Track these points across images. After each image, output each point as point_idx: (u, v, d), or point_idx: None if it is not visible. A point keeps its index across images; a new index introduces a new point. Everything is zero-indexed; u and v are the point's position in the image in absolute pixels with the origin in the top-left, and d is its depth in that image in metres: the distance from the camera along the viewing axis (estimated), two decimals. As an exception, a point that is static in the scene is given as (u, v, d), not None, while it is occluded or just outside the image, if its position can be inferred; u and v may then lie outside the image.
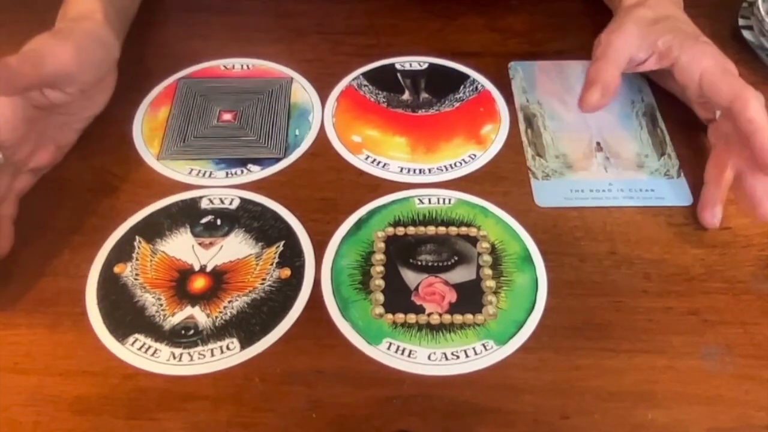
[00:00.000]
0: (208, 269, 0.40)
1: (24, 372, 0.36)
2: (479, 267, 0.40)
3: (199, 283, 0.39)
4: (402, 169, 0.45)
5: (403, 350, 0.36)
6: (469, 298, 0.38)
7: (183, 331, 0.37)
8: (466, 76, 0.52)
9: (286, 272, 0.40)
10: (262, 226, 0.42)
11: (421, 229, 0.42)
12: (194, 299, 0.38)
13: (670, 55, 0.43)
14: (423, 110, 0.49)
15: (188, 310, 0.38)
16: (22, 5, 0.57)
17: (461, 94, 0.51)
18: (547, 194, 0.44)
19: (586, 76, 0.43)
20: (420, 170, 0.45)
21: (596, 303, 0.38)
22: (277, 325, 0.37)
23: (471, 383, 0.35)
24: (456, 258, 0.40)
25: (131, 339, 0.37)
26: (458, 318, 0.37)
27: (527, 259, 0.40)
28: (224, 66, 0.53)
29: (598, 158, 0.46)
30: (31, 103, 0.41)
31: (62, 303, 0.38)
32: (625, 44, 0.43)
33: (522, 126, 0.48)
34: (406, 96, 0.51)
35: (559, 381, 0.35)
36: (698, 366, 0.35)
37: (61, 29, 0.44)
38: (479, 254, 0.40)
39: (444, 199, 0.43)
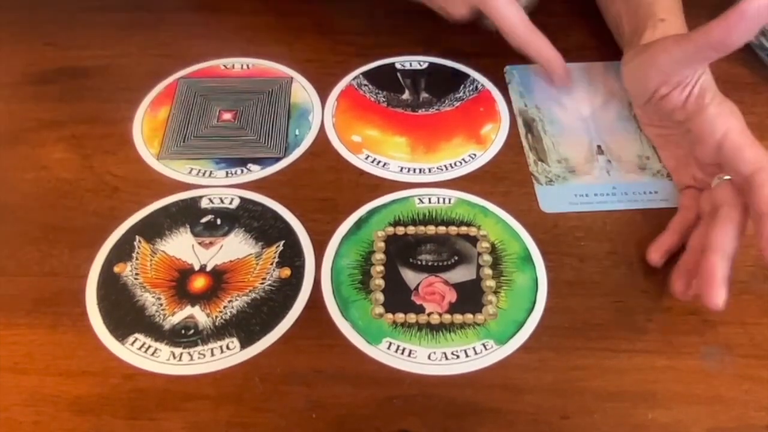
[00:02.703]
0: (208, 269, 0.40)
1: (24, 372, 0.36)
2: (479, 267, 0.40)
3: (199, 283, 0.39)
4: (402, 168, 0.45)
5: (403, 350, 0.36)
6: (469, 297, 0.38)
7: (183, 331, 0.37)
8: (466, 76, 0.52)
9: (286, 272, 0.40)
10: (262, 226, 0.42)
11: (421, 228, 0.42)
12: (194, 299, 0.38)
13: (702, 100, 0.39)
14: (423, 110, 0.49)
15: (188, 310, 0.38)
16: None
17: (461, 94, 0.51)
18: (552, 200, 0.43)
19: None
20: (420, 170, 0.45)
21: (596, 303, 0.38)
22: (277, 324, 0.37)
23: (471, 383, 0.35)
24: (456, 258, 0.40)
25: (131, 339, 0.37)
26: (458, 318, 0.37)
27: (527, 258, 0.40)
28: (224, 66, 0.53)
29: (600, 161, 0.46)
30: None
31: (62, 303, 0.38)
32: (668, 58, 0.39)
33: (522, 131, 0.48)
34: (406, 96, 0.51)
35: (559, 381, 0.35)
36: (698, 366, 0.35)
37: None
38: (479, 254, 0.40)
39: (444, 199, 0.43)
